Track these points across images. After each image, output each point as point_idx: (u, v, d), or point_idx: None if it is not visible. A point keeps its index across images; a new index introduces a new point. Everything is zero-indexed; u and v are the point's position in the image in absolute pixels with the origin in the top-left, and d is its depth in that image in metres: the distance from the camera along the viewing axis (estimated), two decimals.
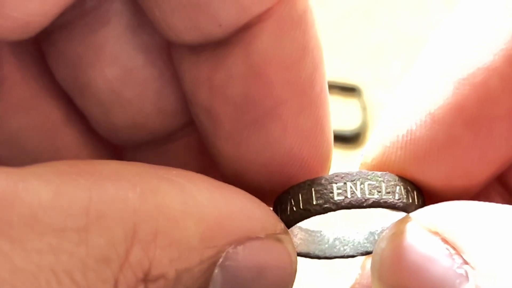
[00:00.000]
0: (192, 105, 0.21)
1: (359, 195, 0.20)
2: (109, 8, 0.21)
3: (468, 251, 0.18)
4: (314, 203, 0.20)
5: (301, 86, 0.20)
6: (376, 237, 0.23)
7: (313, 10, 0.20)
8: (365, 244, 0.23)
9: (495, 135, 0.20)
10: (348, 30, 0.80)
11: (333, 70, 0.75)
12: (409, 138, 0.21)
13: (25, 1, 0.19)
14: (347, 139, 0.72)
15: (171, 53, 0.21)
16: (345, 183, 0.20)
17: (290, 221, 0.20)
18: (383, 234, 0.20)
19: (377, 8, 0.82)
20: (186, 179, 0.18)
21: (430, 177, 0.21)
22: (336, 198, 0.20)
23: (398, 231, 0.19)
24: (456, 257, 0.18)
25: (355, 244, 0.23)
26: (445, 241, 0.18)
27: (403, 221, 0.20)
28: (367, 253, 0.23)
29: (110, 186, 0.17)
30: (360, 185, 0.20)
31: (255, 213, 0.19)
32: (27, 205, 0.16)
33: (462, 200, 0.20)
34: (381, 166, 0.21)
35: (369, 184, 0.20)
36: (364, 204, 0.20)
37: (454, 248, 0.18)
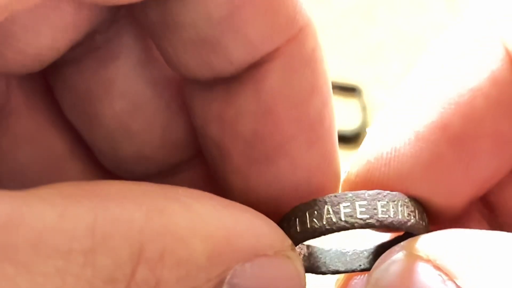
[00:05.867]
0: (202, 139, 0.22)
1: (399, 216, 0.20)
2: (119, 43, 0.21)
3: (461, 277, 0.18)
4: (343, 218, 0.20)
5: (310, 122, 0.21)
6: (347, 259, 0.23)
7: (322, 48, 0.20)
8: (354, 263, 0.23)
9: (479, 154, 0.21)
10: (348, 29, 0.80)
11: (333, 70, 0.74)
12: (393, 155, 0.21)
13: (36, 35, 0.19)
14: (347, 139, 0.71)
15: (182, 88, 0.21)
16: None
17: (323, 231, 0.20)
18: (376, 265, 0.20)
19: (377, 8, 0.82)
20: (192, 197, 0.18)
21: (413, 194, 0.21)
22: (378, 215, 0.20)
23: (391, 261, 0.20)
24: (449, 283, 0.18)
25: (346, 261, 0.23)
26: (437, 267, 0.19)
27: (393, 251, 0.20)
28: (353, 271, 0.23)
29: (115, 207, 0.17)
30: (399, 206, 0.20)
31: (263, 230, 0.19)
32: (32, 228, 0.16)
33: (451, 228, 0.20)
34: (365, 182, 0.21)
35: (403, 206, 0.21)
36: (403, 227, 0.20)
37: (446, 275, 0.18)
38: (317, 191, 0.21)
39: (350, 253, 0.23)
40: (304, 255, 0.23)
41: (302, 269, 0.20)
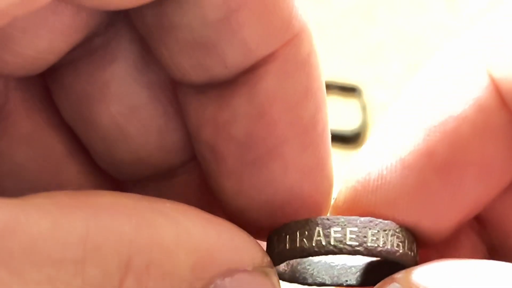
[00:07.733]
0: (196, 142, 0.22)
1: (388, 246, 0.20)
2: (116, 46, 0.21)
3: None
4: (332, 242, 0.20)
5: (304, 126, 0.21)
6: (336, 272, 0.23)
7: (318, 53, 0.21)
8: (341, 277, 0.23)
9: (465, 181, 0.21)
10: (348, 29, 0.80)
11: (333, 70, 0.75)
12: (379, 183, 0.21)
13: (34, 38, 0.19)
14: (347, 139, 0.72)
15: (176, 91, 0.22)
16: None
17: (311, 252, 0.21)
18: None
19: (378, 7, 0.82)
20: (179, 211, 0.19)
21: (400, 221, 0.21)
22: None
23: None
24: None
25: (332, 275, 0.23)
26: None
27: (386, 283, 0.20)
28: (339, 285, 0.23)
29: (107, 218, 0.17)
30: (390, 236, 0.21)
31: (244, 246, 0.20)
32: (27, 236, 0.16)
33: (440, 259, 0.20)
34: (352, 209, 0.22)
35: (391, 234, 0.21)
36: (391, 257, 0.21)
37: None
38: (310, 195, 0.21)
39: (338, 267, 0.23)
40: (292, 264, 0.23)
41: (278, 286, 0.20)
